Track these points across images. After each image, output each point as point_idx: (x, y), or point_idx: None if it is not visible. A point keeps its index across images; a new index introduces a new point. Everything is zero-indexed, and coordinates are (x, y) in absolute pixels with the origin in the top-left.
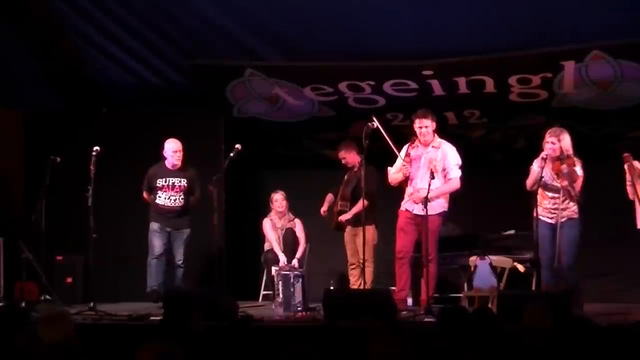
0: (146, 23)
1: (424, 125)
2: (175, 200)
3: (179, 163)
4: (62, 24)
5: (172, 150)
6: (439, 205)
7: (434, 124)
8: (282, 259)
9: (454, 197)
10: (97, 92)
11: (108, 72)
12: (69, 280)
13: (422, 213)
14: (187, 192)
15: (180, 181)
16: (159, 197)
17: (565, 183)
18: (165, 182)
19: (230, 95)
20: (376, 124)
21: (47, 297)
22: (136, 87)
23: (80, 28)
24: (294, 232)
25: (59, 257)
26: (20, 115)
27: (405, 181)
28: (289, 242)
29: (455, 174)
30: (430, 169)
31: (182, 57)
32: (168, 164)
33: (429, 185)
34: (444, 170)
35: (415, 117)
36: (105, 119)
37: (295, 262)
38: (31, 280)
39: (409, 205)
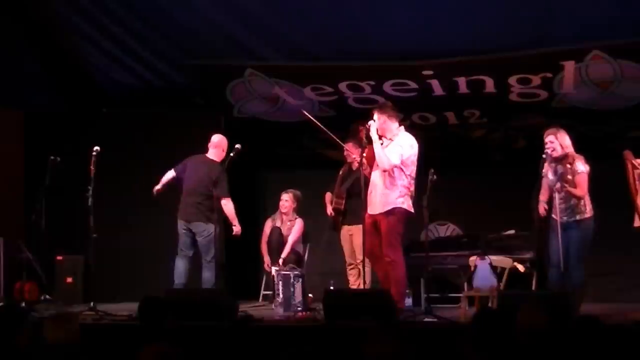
0: (146, 23)
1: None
2: None
3: None
4: (63, 23)
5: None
6: (389, 203)
7: (387, 116)
8: (266, 260)
9: (454, 197)
10: (97, 92)
11: (108, 72)
12: (69, 280)
13: (372, 212)
14: None
15: None
16: None
17: (558, 184)
18: None
19: (230, 95)
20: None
21: (47, 297)
22: (136, 87)
23: (80, 28)
24: (280, 232)
25: (59, 257)
26: (20, 115)
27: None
28: (273, 241)
29: (392, 154)
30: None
31: (182, 57)
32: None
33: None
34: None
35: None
36: (105, 119)
37: (280, 262)
38: (31, 280)
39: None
